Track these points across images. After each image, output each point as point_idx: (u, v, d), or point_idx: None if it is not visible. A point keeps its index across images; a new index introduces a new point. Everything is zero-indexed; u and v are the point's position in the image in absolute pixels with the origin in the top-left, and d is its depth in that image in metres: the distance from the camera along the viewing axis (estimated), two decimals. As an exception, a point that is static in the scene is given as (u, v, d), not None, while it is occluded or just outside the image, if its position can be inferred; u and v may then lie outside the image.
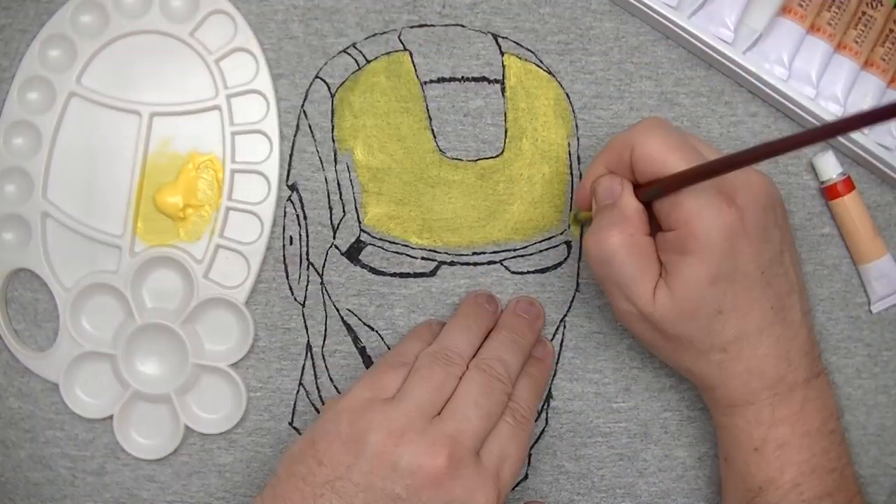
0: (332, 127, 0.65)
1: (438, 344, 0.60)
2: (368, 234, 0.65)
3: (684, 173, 0.55)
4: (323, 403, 0.66)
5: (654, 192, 0.57)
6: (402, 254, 0.65)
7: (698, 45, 0.65)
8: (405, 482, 0.54)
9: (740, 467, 0.61)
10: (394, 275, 0.65)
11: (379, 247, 0.65)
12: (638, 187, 0.58)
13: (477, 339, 0.61)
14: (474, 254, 0.66)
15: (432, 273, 0.66)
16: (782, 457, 0.59)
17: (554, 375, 0.67)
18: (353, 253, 0.65)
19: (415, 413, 0.56)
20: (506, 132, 0.65)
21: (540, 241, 0.66)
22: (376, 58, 0.65)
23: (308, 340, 0.66)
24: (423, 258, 0.66)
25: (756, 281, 0.57)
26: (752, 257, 0.57)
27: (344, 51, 0.65)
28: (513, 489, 0.67)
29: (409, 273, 0.66)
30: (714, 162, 0.54)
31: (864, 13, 0.66)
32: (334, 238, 0.65)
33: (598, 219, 0.59)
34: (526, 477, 0.67)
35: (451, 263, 0.66)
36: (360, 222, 0.65)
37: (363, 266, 0.65)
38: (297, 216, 0.65)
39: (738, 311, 0.57)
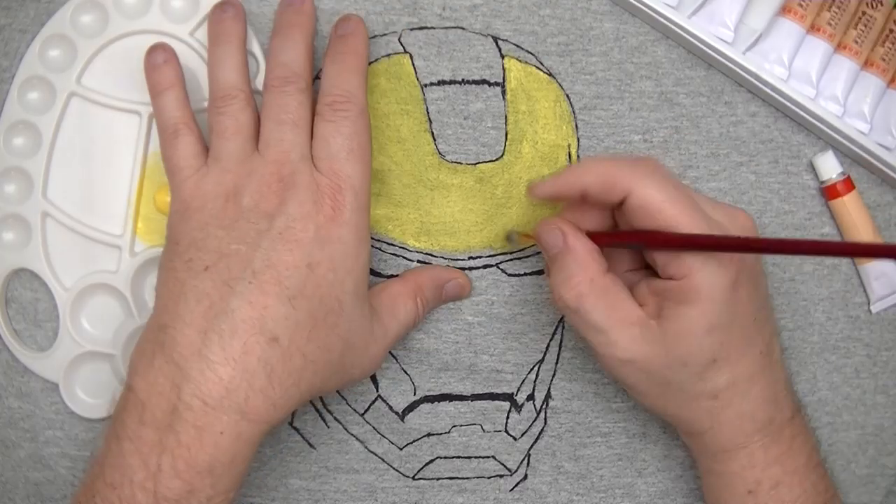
0: (332, 128, 0.65)
1: (212, 92, 0.60)
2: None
3: (691, 239, 0.54)
4: (323, 404, 0.66)
5: (637, 245, 0.57)
6: (398, 255, 0.65)
7: (698, 44, 0.65)
8: (256, 213, 0.55)
9: None
10: (391, 276, 0.65)
11: (377, 248, 0.65)
12: (601, 233, 0.58)
13: (240, 59, 0.60)
14: (470, 258, 0.66)
15: (427, 277, 0.66)
16: (776, 496, 0.59)
17: (553, 375, 0.67)
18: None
19: (233, 164, 0.57)
20: (506, 135, 0.65)
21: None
22: (376, 60, 0.65)
23: (308, 341, 0.66)
24: (418, 261, 0.66)
25: (749, 328, 0.57)
26: (747, 306, 0.56)
27: (344, 52, 0.65)
28: (511, 489, 0.67)
29: (404, 276, 0.66)
30: (724, 239, 0.54)
31: (864, 13, 0.66)
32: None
33: (553, 269, 0.58)
34: (525, 477, 0.67)
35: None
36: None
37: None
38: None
39: (731, 358, 0.56)
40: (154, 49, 0.61)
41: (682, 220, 0.54)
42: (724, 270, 0.54)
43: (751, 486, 0.59)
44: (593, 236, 0.58)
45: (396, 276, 0.65)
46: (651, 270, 0.59)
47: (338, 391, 0.66)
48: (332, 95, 0.58)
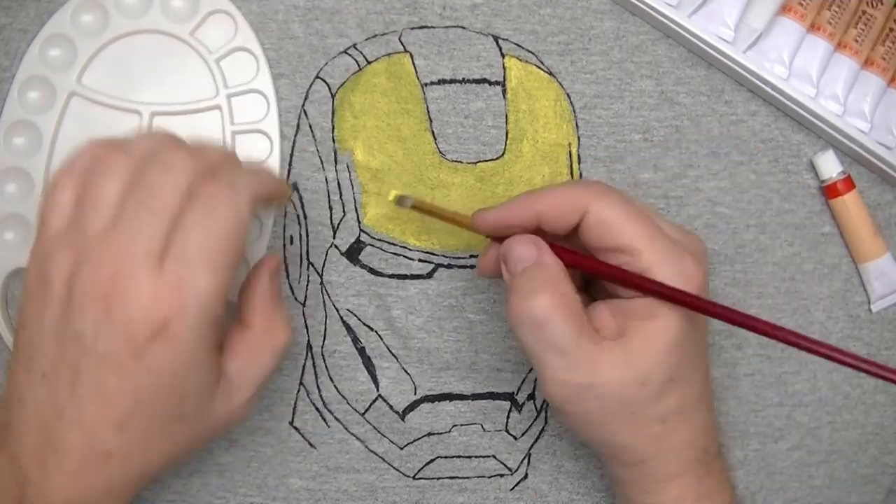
0: (333, 127, 0.65)
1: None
2: (368, 234, 0.65)
3: (669, 290, 0.54)
4: (324, 403, 0.66)
5: (604, 276, 0.56)
6: (400, 255, 0.65)
7: (698, 44, 0.66)
8: (83, 316, 0.49)
9: None
10: (392, 276, 0.65)
11: (378, 247, 0.65)
12: (573, 256, 0.56)
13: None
14: (471, 256, 0.66)
15: (429, 275, 0.66)
16: None
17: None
18: (352, 253, 0.65)
19: (84, 238, 0.50)
20: (507, 134, 0.65)
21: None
22: (377, 59, 0.65)
23: (308, 340, 0.66)
24: (420, 260, 0.66)
25: (699, 353, 0.57)
26: (702, 327, 0.57)
27: (344, 51, 0.65)
28: (512, 488, 0.67)
29: (406, 275, 0.66)
30: (709, 304, 0.54)
31: (864, 12, 0.66)
32: (334, 238, 0.65)
33: (519, 283, 0.55)
34: (526, 476, 0.67)
35: (449, 266, 0.66)
36: (359, 222, 0.65)
37: (363, 266, 0.65)
38: (297, 216, 0.65)
39: (684, 380, 0.55)
40: None
41: (642, 240, 0.54)
42: (691, 284, 0.54)
43: None
44: (561, 254, 0.56)
45: (397, 276, 0.65)
46: (593, 292, 0.59)
47: (335, 387, 0.66)
48: (213, 169, 0.52)
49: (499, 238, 0.58)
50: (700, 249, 0.57)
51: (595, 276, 0.58)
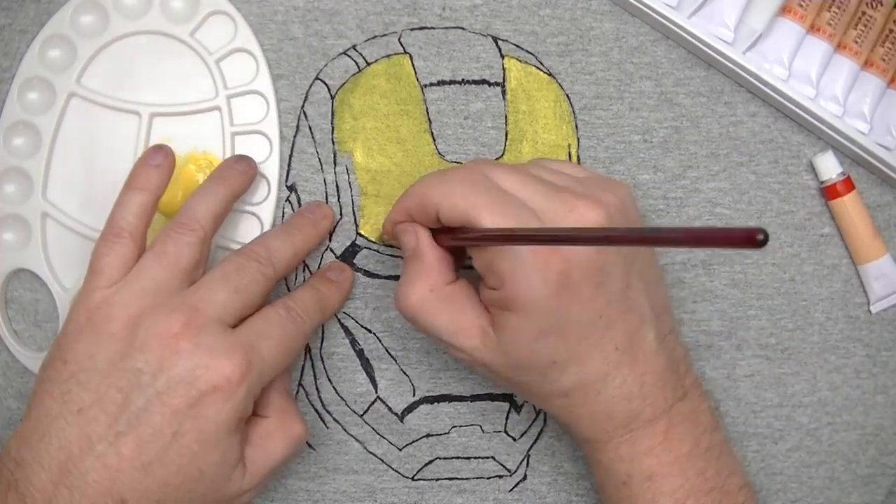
0: (332, 129, 0.65)
1: (177, 216, 0.58)
2: (365, 238, 0.65)
3: (493, 234, 0.53)
4: (322, 405, 0.66)
5: (461, 241, 0.56)
6: (397, 256, 0.65)
7: (698, 45, 0.65)
8: (145, 356, 0.52)
9: (613, 498, 0.59)
10: (389, 277, 0.65)
11: (374, 250, 0.65)
12: (446, 231, 0.56)
13: (221, 202, 0.59)
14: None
15: (427, 276, 0.66)
16: (652, 488, 0.57)
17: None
18: (347, 256, 0.65)
19: (151, 291, 0.54)
20: (506, 135, 0.65)
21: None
22: (376, 60, 0.65)
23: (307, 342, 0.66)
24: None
25: (594, 327, 0.54)
26: (584, 306, 0.53)
27: (344, 53, 0.65)
28: (511, 489, 0.67)
29: (403, 276, 0.66)
30: (534, 232, 0.52)
31: (864, 13, 0.66)
32: (330, 241, 0.65)
33: (402, 274, 0.58)
34: (525, 477, 0.67)
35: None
36: (356, 225, 0.65)
37: (358, 269, 0.65)
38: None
39: (575, 359, 0.54)
40: (156, 149, 0.60)
41: (486, 218, 0.53)
42: (539, 276, 0.52)
43: (623, 477, 0.57)
44: (438, 236, 0.57)
45: (394, 277, 0.65)
46: None
47: (334, 389, 0.66)
48: (296, 302, 0.59)
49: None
50: (584, 220, 0.53)
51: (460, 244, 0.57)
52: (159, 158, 0.59)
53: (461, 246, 0.57)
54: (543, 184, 0.55)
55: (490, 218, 0.52)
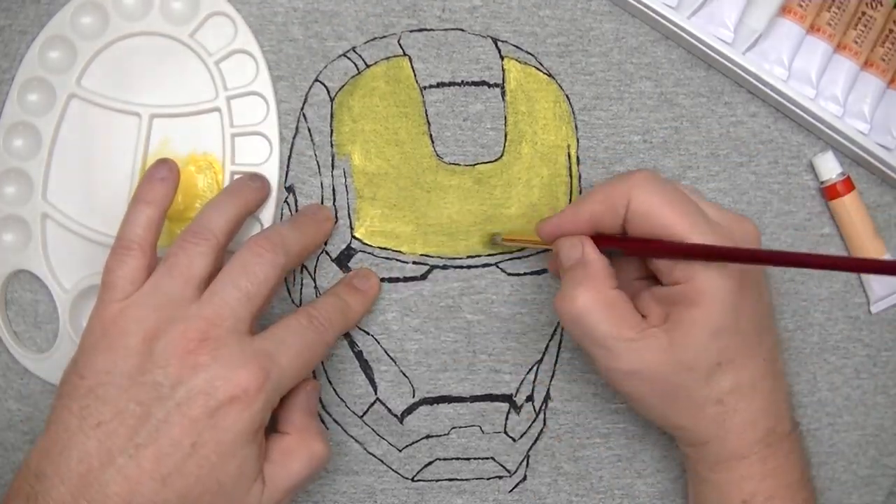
0: (331, 131, 0.65)
1: (189, 226, 0.58)
2: (360, 240, 0.65)
3: (690, 248, 0.55)
4: (322, 406, 0.66)
5: (647, 254, 0.58)
6: (392, 259, 0.65)
7: (698, 45, 0.65)
8: (164, 370, 0.53)
9: None
10: (384, 280, 0.66)
11: (369, 253, 0.65)
12: (615, 241, 0.58)
13: (234, 212, 0.59)
14: (469, 257, 0.66)
15: (423, 277, 0.66)
16: None
17: (552, 376, 0.67)
18: (342, 260, 0.65)
19: (166, 304, 0.55)
20: (506, 136, 0.65)
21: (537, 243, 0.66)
22: (376, 62, 0.65)
23: (307, 342, 0.66)
24: (414, 262, 0.66)
25: (752, 335, 0.57)
26: (750, 313, 0.56)
27: (344, 55, 0.65)
28: (511, 490, 0.67)
29: (399, 277, 0.66)
30: (727, 250, 0.54)
31: (863, 13, 0.66)
32: (325, 244, 0.65)
33: (564, 281, 0.58)
34: (525, 478, 0.67)
35: (444, 267, 0.66)
36: (352, 229, 0.65)
37: (354, 272, 0.66)
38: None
39: (735, 363, 0.56)
40: (161, 163, 0.60)
41: (683, 225, 0.55)
42: (728, 274, 0.55)
43: (746, 496, 0.59)
44: (601, 240, 0.58)
45: (389, 279, 0.66)
46: (655, 280, 0.59)
47: (334, 390, 0.66)
48: (318, 311, 0.59)
49: None
50: (748, 232, 0.58)
51: (641, 256, 0.59)
52: (164, 171, 0.59)
53: (637, 255, 0.59)
54: (697, 200, 0.58)
55: (699, 236, 0.55)
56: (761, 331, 0.58)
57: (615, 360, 0.56)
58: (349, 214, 0.65)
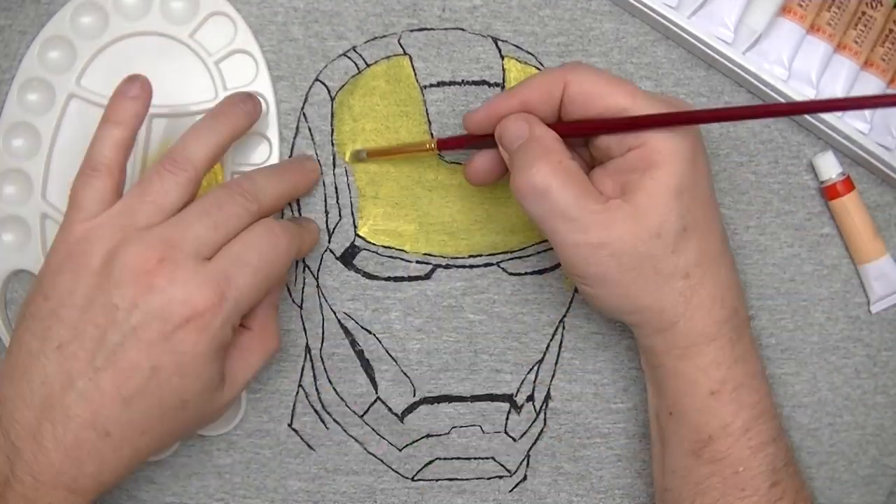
0: (332, 130, 0.65)
1: (169, 151, 0.57)
2: (364, 239, 0.65)
3: (644, 118, 0.55)
4: (322, 405, 0.66)
5: (593, 133, 0.57)
6: (396, 258, 0.65)
7: (698, 45, 0.65)
8: (120, 291, 0.52)
9: (692, 417, 0.58)
10: (388, 279, 0.66)
11: (374, 251, 0.65)
12: (564, 124, 0.57)
13: (217, 141, 0.57)
14: (471, 256, 0.66)
15: (427, 276, 0.66)
16: (738, 399, 0.57)
17: (553, 376, 0.67)
18: (347, 258, 0.65)
19: (131, 226, 0.54)
20: (505, 136, 0.65)
21: (538, 243, 0.66)
22: (376, 61, 0.65)
23: (307, 342, 0.66)
24: (417, 262, 0.66)
25: (710, 202, 0.57)
26: (706, 177, 0.57)
27: (344, 54, 0.65)
28: (511, 490, 0.67)
29: (403, 277, 0.66)
30: (675, 115, 0.54)
31: (863, 13, 0.66)
32: (329, 242, 0.65)
33: (517, 159, 0.56)
34: (525, 478, 0.67)
35: (447, 266, 0.66)
36: (355, 227, 0.65)
37: (357, 271, 0.65)
38: (294, 219, 0.65)
39: (699, 230, 0.56)
40: (132, 79, 0.58)
41: (623, 96, 0.55)
42: (682, 135, 0.55)
43: (715, 385, 0.57)
44: (554, 127, 0.57)
45: (393, 278, 0.66)
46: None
47: (334, 389, 0.66)
48: (274, 225, 0.57)
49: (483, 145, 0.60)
50: (683, 103, 0.58)
51: (590, 136, 0.58)
52: (135, 90, 0.58)
53: (584, 135, 0.58)
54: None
55: (631, 102, 0.55)
56: (715, 203, 0.58)
57: (583, 232, 0.55)
58: (352, 213, 0.65)
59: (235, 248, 0.55)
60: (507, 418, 0.67)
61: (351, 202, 0.65)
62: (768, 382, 0.60)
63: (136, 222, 0.54)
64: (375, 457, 0.66)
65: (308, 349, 0.66)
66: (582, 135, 0.58)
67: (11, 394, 0.53)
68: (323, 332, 0.66)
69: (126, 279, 0.52)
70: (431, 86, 0.65)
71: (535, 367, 0.67)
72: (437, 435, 0.66)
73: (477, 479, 0.67)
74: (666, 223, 0.55)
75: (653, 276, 0.56)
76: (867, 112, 0.66)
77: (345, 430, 0.66)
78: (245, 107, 0.60)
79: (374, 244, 0.65)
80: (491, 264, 0.66)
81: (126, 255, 0.53)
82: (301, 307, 0.66)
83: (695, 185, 0.55)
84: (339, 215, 0.65)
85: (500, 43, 0.66)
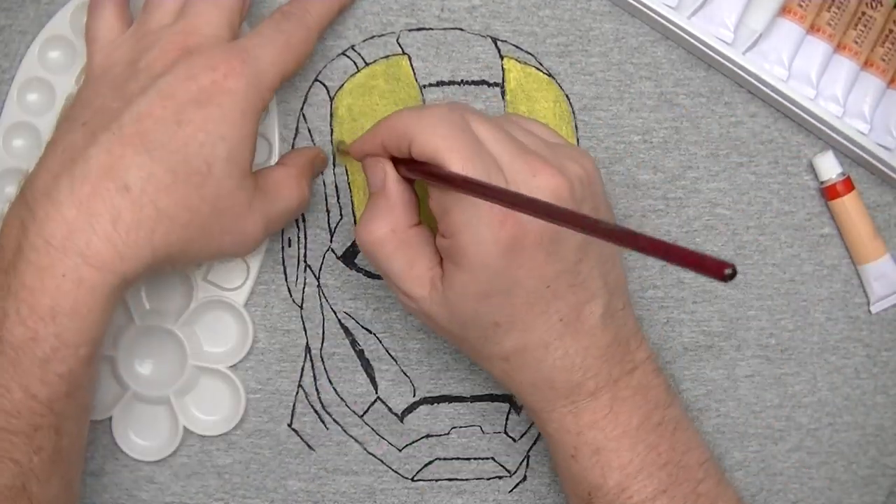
0: (331, 130, 0.65)
1: None
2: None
3: (456, 178, 0.51)
4: (322, 405, 0.66)
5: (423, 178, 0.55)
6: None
7: (698, 45, 0.65)
8: (146, 72, 0.55)
9: (566, 473, 0.59)
10: (391, 279, 0.66)
11: None
12: (412, 164, 0.55)
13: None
14: None
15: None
16: (601, 462, 0.56)
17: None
18: (348, 257, 0.65)
19: (144, 35, 0.57)
20: (506, 136, 0.65)
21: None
22: (375, 61, 0.65)
23: (307, 342, 0.66)
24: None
25: (540, 295, 0.54)
26: (533, 273, 0.53)
27: (343, 53, 0.65)
28: (511, 490, 0.67)
29: (404, 276, 0.66)
30: (503, 192, 0.50)
31: (863, 13, 0.66)
32: (331, 241, 0.65)
33: (367, 206, 0.57)
34: (525, 478, 0.67)
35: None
36: (356, 226, 0.65)
37: (359, 270, 0.65)
38: (296, 219, 0.65)
39: (518, 324, 0.54)
40: None
41: (456, 163, 0.52)
42: (492, 235, 0.51)
43: (571, 450, 0.57)
44: (407, 164, 0.56)
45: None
46: None
47: (334, 390, 0.66)
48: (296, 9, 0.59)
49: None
50: (547, 188, 0.53)
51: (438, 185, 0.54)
52: None
53: (423, 180, 0.55)
54: (514, 142, 0.54)
55: (460, 163, 0.51)
56: (556, 292, 0.54)
57: (406, 299, 0.56)
58: (353, 212, 0.65)
59: (259, 30, 0.57)
60: (507, 418, 0.67)
61: (352, 201, 0.65)
62: (660, 430, 0.58)
63: (149, 30, 0.57)
64: (375, 457, 0.66)
65: (308, 349, 0.66)
66: (431, 181, 0.55)
67: (36, 168, 0.54)
68: (323, 332, 0.66)
69: (150, 65, 0.55)
70: (431, 85, 0.65)
71: (535, 368, 0.67)
72: (436, 435, 0.66)
73: (477, 479, 0.67)
74: (473, 319, 0.54)
75: (475, 354, 0.57)
76: (867, 112, 0.66)
77: (345, 430, 0.66)
78: None
79: None
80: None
81: (149, 54, 0.55)
82: (301, 307, 0.66)
83: (510, 287, 0.53)
84: (341, 214, 0.65)
85: (499, 43, 0.66)
